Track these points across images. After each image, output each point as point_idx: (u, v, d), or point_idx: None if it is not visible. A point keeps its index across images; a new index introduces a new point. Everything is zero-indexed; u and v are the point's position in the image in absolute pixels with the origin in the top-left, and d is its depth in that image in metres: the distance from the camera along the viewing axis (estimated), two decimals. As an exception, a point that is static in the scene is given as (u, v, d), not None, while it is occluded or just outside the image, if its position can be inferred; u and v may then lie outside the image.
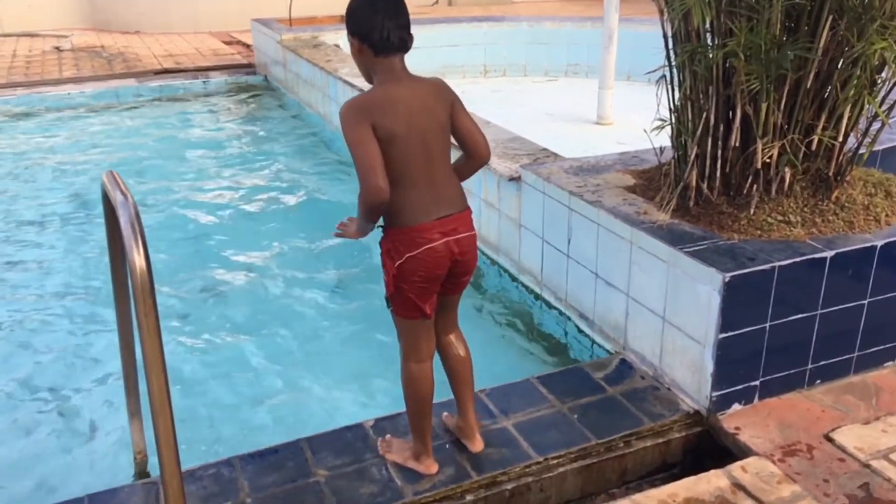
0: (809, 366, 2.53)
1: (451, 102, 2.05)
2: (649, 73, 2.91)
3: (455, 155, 2.14)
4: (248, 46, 9.18)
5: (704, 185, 2.72)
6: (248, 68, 8.22)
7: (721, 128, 2.66)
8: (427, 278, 2.01)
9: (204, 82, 7.77)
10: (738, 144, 2.65)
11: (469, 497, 2.15)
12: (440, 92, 2.05)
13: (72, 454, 2.67)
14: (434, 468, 2.20)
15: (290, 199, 4.91)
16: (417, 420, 2.17)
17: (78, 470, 2.60)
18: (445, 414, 2.38)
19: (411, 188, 1.96)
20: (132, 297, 1.56)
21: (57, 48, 9.33)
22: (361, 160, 1.88)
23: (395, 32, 1.93)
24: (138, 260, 1.47)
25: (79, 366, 3.17)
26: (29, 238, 4.42)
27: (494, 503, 2.19)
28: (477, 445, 2.30)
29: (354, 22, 1.97)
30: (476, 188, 3.78)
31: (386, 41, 1.93)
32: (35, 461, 2.64)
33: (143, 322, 1.49)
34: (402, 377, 2.15)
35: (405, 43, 1.97)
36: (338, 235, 2.14)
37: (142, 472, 2.38)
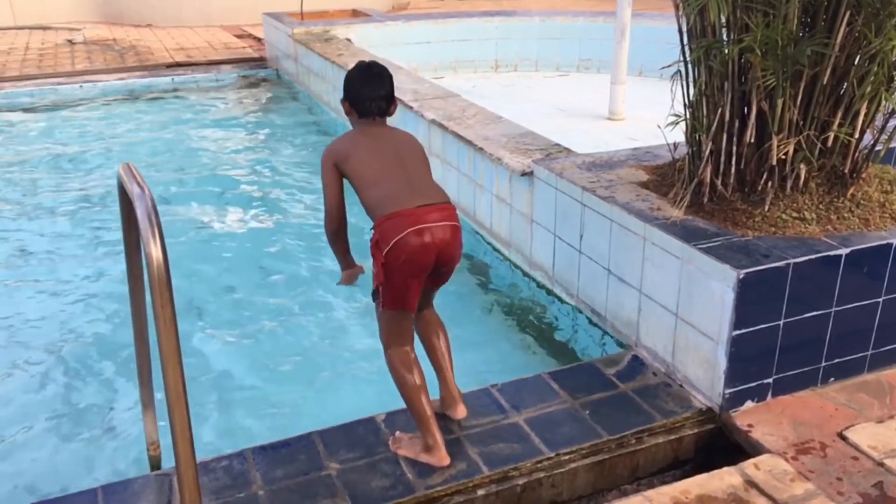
0: (823, 363, 2.52)
1: (422, 150, 2.40)
2: (664, 67, 2.89)
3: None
4: (259, 40, 9.19)
5: (719, 182, 2.70)
6: (260, 62, 8.23)
7: (736, 124, 2.65)
8: (414, 264, 2.12)
9: (215, 76, 7.78)
10: (752, 140, 2.64)
11: (480, 492, 2.16)
12: (413, 139, 2.42)
13: (85, 445, 2.68)
14: (446, 460, 2.21)
15: (302, 193, 4.91)
16: (415, 407, 2.22)
17: (91, 461, 2.61)
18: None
19: (387, 183, 2.20)
20: (148, 288, 1.56)
21: (69, 41, 9.36)
22: (325, 202, 2.34)
23: (375, 104, 2.34)
24: (155, 252, 1.48)
25: (91, 357, 3.19)
26: (43, 230, 4.44)
27: (506, 498, 2.19)
28: (460, 412, 2.38)
29: (346, 90, 2.38)
30: (488, 183, 3.77)
31: (368, 109, 2.35)
32: (48, 452, 2.65)
33: (159, 314, 1.49)
34: (389, 368, 2.25)
35: (384, 112, 2.37)
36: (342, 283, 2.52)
37: (155, 464, 2.39)
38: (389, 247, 2.10)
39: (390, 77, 2.39)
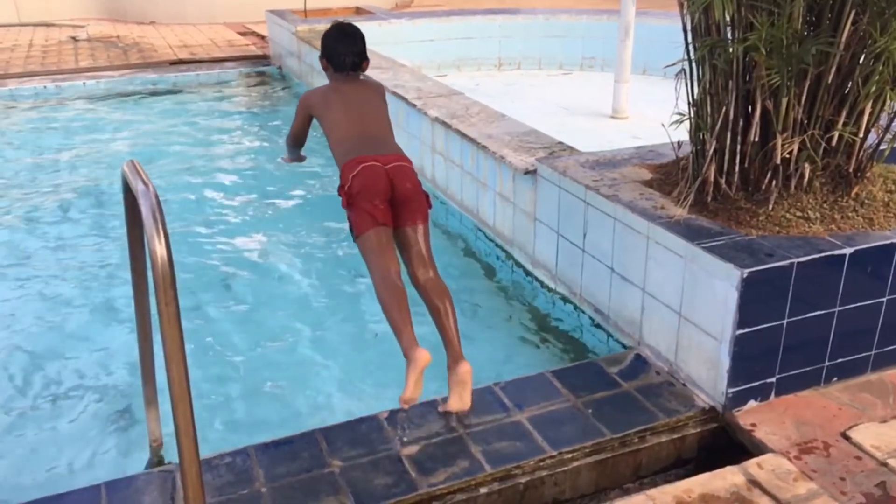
0: (826, 363, 2.52)
1: (384, 96, 2.86)
2: (668, 66, 2.89)
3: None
4: (262, 37, 9.18)
5: (722, 181, 2.70)
6: (263, 59, 8.22)
7: (740, 123, 2.64)
8: (371, 189, 2.50)
9: (219, 73, 7.78)
10: (757, 139, 2.64)
11: (483, 490, 2.16)
12: (376, 88, 2.88)
13: (88, 442, 2.69)
14: (424, 355, 2.28)
15: (305, 189, 4.91)
16: (390, 317, 2.39)
17: (94, 457, 2.61)
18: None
19: (350, 140, 2.64)
20: (152, 286, 1.56)
21: (73, 38, 9.36)
22: (291, 127, 3.06)
23: (349, 58, 2.79)
24: (160, 249, 1.47)
25: (94, 354, 3.19)
26: (46, 227, 4.44)
27: (508, 496, 2.19)
28: (462, 368, 2.40)
29: (323, 48, 2.83)
30: (491, 181, 3.77)
31: (342, 64, 2.79)
32: (52, 448, 2.66)
33: (163, 311, 1.49)
34: (376, 294, 2.44)
35: (356, 66, 2.81)
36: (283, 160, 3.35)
37: (158, 461, 2.39)
38: (349, 183, 2.52)
39: (362, 36, 2.82)
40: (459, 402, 2.40)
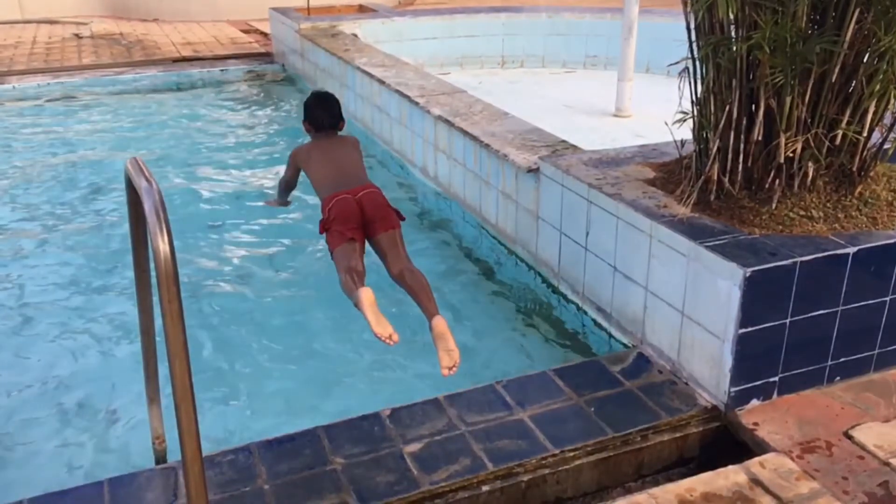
0: (829, 362, 2.52)
1: (359, 147, 3.44)
2: (672, 64, 2.88)
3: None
4: (266, 35, 9.18)
5: (726, 179, 2.69)
6: (266, 57, 8.22)
7: (744, 121, 2.64)
8: (344, 216, 3.02)
9: (222, 71, 7.78)
10: (760, 138, 2.63)
11: (485, 488, 2.16)
12: (352, 142, 3.46)
13: (90, 439, 2.69)
14: (368, 290, 2.69)
15: (307, 187, 4.90)
16: (350, 288, 2.80)
17: (96, 454, 2.62)
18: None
19: (330, 183, 3.18)
20: (155, 283, 1.56)
21: (76, 35, 9.37)
22: (283, 174, 3.75)
23: (326, 121, 3.41)
24: (163, 246, 1.47)
25: (97, 351, 3.20)
26: (49, 223, 4.45)
27: (510, 494, 2.19)
28: (435, 320, 2.69)
29: (305, 114, 3.46)
30: (494, 179, 3.77)
31: (321, 125, 3.41)
32: (53, 446, 2.66)
33: (166, 309, 1.49)
34: (340, 283, 2.89)
35: (334, 126, 3.43)
36: (267, 203, 4.21)
37: (160, 458, 2.39)
38: (327, 214, 3.05)
39: (338, 102, 3.45)
40: (447, 356, 2.56)
